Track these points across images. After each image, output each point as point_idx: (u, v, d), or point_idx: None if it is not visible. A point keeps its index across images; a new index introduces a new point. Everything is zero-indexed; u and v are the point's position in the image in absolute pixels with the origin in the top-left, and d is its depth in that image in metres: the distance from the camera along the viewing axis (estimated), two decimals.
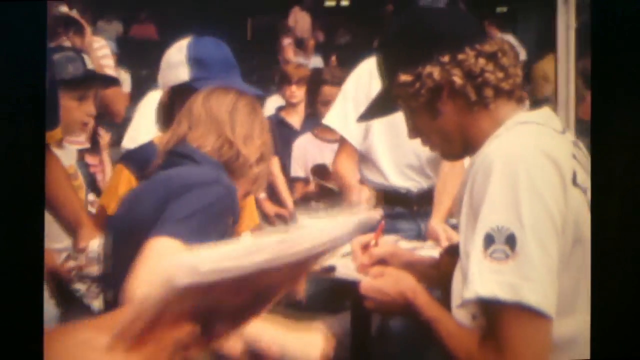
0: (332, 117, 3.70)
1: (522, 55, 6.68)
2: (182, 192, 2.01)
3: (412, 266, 2.25)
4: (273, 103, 5.92)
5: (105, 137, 4.35)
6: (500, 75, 1.90)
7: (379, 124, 3.49)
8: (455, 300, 1.98)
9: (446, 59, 1.90)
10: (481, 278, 1.74)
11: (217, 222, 2.03)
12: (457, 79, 1.88)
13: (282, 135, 5.37)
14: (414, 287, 2.03)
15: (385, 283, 2.07)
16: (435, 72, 1.90)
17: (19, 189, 2.20)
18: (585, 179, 1.85)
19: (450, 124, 1.96)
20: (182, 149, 2.20)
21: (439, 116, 1.96)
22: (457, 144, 2.00)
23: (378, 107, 2.14)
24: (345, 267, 2.62)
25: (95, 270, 2.34)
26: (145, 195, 2.13)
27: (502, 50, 1.92)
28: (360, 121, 2.82)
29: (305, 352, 1.72)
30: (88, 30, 4.53)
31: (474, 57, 1.89)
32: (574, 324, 1.87)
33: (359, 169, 3.65)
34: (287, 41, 6.84)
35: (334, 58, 6.47)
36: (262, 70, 6.20)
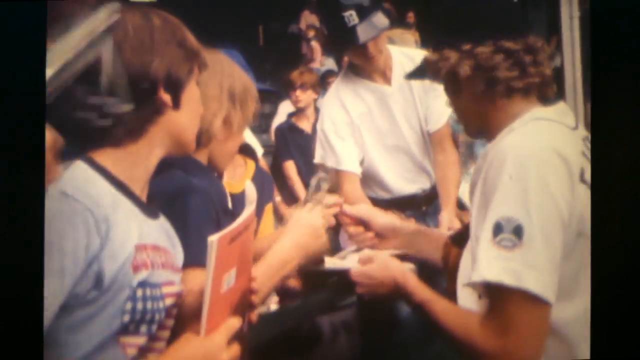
0: (322, 156, 3.69)
1: None
2: (178, 200, 2.09)
3: (415, 239, 2.43)
4: (285, 108, 5.96)
5: None
6: (515, 73, 2.00)
7: (370, 145, 3.58)
8: (462, 278, 2.10)
9: (467, 47, 2.02)
10: (489, 263, 1.88)
11: (210, 228, 2.05)
12: (464, 70, 2.02)
13: (294, 140, 5.39)
14: (403, 271, 2.17)
15: (374, 268, 2.22)
16: (452, 57, 2.04)
17: (19, 189, 2.20)
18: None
19: (467, 106, 2.10)
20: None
21: (459, 96, 2.11)
22: (473, 125, 2.15)
23: (421, 71, 2.24)
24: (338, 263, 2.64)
25: None
26: None
27: (527, 49, 2.02)
28: (408, 78, 2.95)
29: None
30: None
31: (490, 52, 2.00)
32: (573, 309, 1.97)
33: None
34: (312, 44, 6.85)
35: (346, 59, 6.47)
36: (275, 75, 6.22)
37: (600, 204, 2.15)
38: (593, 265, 2.14)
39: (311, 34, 6.99)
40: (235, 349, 1.69)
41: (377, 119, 3.67)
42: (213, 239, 1.58)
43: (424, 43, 2.13)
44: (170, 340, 1.78)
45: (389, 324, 2.84)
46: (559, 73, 4.15)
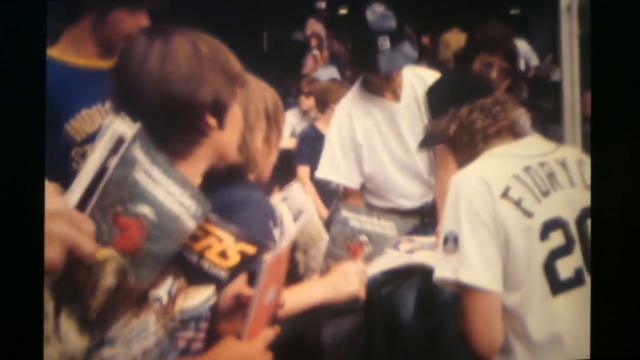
0: (325, 170, 3.72)
1: (534, 60, 6.69)
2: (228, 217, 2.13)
3: None
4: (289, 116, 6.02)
5: None
6: (488, 121, 2.56)
7: (377, 159, 3.64)
8: None
9: (452, 112, 2.60)
10: (440, 265, 2.44)
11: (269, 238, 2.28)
12: (452, 130, 2.60)
13: (313, 145, 5.43)
14: None
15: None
16: (443, 122, 2.62)
17: (19, 189, 2.21)
18: (523, 192, 2.42)
19: (460, 153, 2.66)
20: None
21: (454, 148, 2.68)
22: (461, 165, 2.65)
23: (426, 140, 2.82)
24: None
25: None
26: None
27: (495, 102, 2.60)
28: (419, 150, 3.26)
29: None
30: None
31: (468, 112, 2.59)
32: (519, 296, 2.38)
33: (366, 200, 3.71)
34: (311, 55, 6.89)
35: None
36: (280, 81, 6.25)
37: (600, 208, 2.40)
38: (593, 268, 2.37)
39: (314, 42, 7.02)
40: (269, 356, 1.86)
41: (384, 135, 3.67)
42: (268, 257, 1.77)
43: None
44: (208, 339, 1.90)
45: (392, 332, 2.95)
46: (557, 88, 4.29)
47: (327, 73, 6.64)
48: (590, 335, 2.31)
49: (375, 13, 3.56)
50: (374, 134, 3.68)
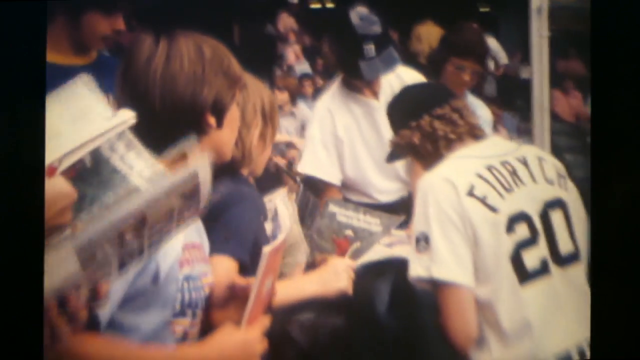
0: (306, 165, 3.73)
1: (503, 59, 6.75)
2: (222, 209, 2.33)
3: None
4: None
5: None
6: (448, 128, 2.70)
7: (357, 155, 3.71)
8: None
9: (414, 124, 2.74)
10: (413, 264, 2.55)
11: (256, 234, 2.40)
12: (416, 140, 2.74)
13: None
14: None
15: None
16: (406, 134, 2.76)
17: (19, 189, 2.20)
18: (487, 190, 2.52)
19: (425, 161, 2.77)
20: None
21: (419, 157, 2.82)
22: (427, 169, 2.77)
23: (393, 153, 2.97)
24: None
25: None
26: None
27: (453, 109, 2.74)
28: (388, 162, 3.15)
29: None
30: None
31: (429, 122, 2.72)
32: (490, 288, 2.48)
33: (343, 195, 3.75)
34: (290, 49, 6.90)
35: (320, 62, 6.52)
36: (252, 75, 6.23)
37: (600, 208, 2.44)
38: (593, 268, 2.43)
39: (292, 37, 7.04)
40: (265, 342, 1.94)
41: (364, 131, 3.73)
42: (266, 250, 1.85)
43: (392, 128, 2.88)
44: (203, 327, 2.03)
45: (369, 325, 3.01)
46: (527, 85, 4.43)
47: (300, 68, 6.67)
48: (590, 335, 2.37)
49: (360, 16, 3.57)
50: (354, 130, 3.72)
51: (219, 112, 2.03)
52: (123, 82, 1.98)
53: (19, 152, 2.20)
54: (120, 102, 1.94)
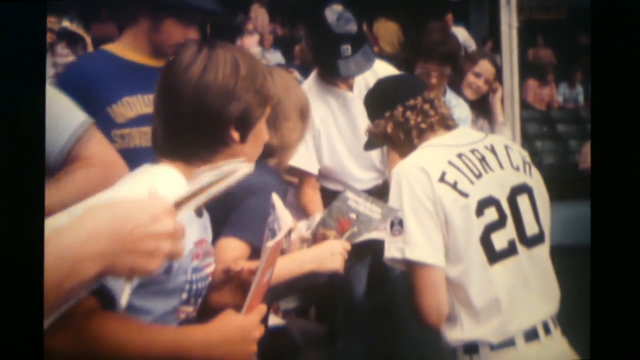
0: None
1: (473, 47, 6.79)
2: (244, 197, 2.49)
3: None
4: None
5: None
6: (420, 118, 2.81)
7: (333, 145, 3.80)
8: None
9: (387, 114, 2.86)
10: (388, 247, 2.65)
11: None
12: (389, 129, 2.86)
13: None
14: None
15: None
16: (381, 124, 2.89)
17: (19, 189, 2.20)
18: (458, 176, 2.62)
19: (401, 150, 2.90)
20: None
21: (394, 145, 2.97)
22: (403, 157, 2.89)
23: (371, 141, 3.07)
24: None
25: None
26: None
27: (425, 100, 2.85)
28: (366, 149, 3.27)
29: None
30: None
31: (402, 112, 2.83)
32: (461, 268, 2.59)
33: (322, 185, 3.85)
34: (249, 39, 6.88)
35: (297, 48, 6.50)
36: None
37: (600, 208, 2.50)
38: (593, 268, 2.46)
39: (250, 27, 7.03)
40: (262, 328, 2.01)
41: (339, 122, 3.81)
42: (269, 244, 1.91)
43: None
44: (200, 311, 2.14)
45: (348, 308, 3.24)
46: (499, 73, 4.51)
47: (273, 58, 6.66)
48: (590, 335, 2.41)
49: (336, 14, 3.59)
50: (330, 121, 3.80)
51: (245, 128, 2.08)
52: (162, 83, 2.07)
53: (19, 151, 2.20)
54: (155, 100, 2.07)
